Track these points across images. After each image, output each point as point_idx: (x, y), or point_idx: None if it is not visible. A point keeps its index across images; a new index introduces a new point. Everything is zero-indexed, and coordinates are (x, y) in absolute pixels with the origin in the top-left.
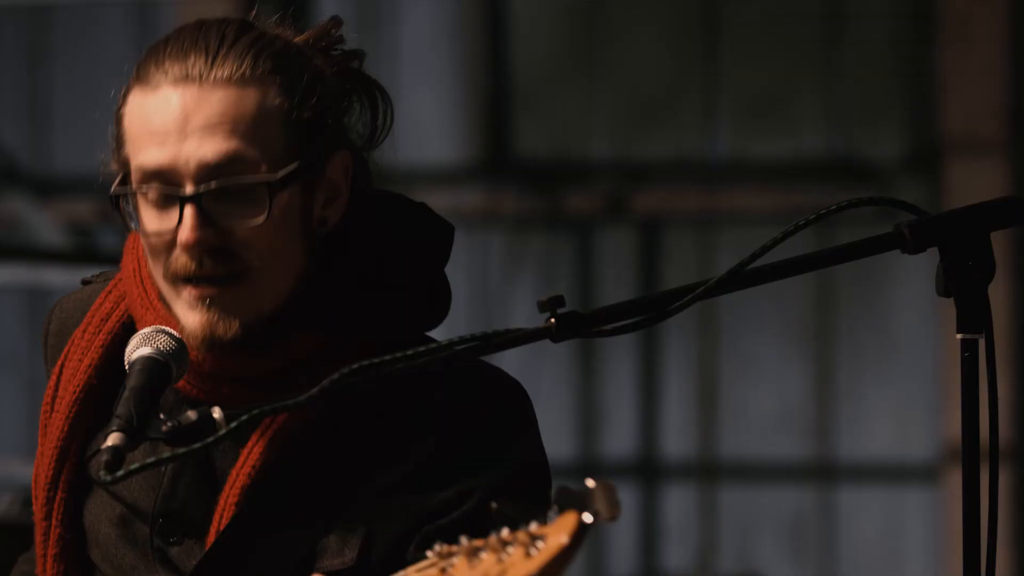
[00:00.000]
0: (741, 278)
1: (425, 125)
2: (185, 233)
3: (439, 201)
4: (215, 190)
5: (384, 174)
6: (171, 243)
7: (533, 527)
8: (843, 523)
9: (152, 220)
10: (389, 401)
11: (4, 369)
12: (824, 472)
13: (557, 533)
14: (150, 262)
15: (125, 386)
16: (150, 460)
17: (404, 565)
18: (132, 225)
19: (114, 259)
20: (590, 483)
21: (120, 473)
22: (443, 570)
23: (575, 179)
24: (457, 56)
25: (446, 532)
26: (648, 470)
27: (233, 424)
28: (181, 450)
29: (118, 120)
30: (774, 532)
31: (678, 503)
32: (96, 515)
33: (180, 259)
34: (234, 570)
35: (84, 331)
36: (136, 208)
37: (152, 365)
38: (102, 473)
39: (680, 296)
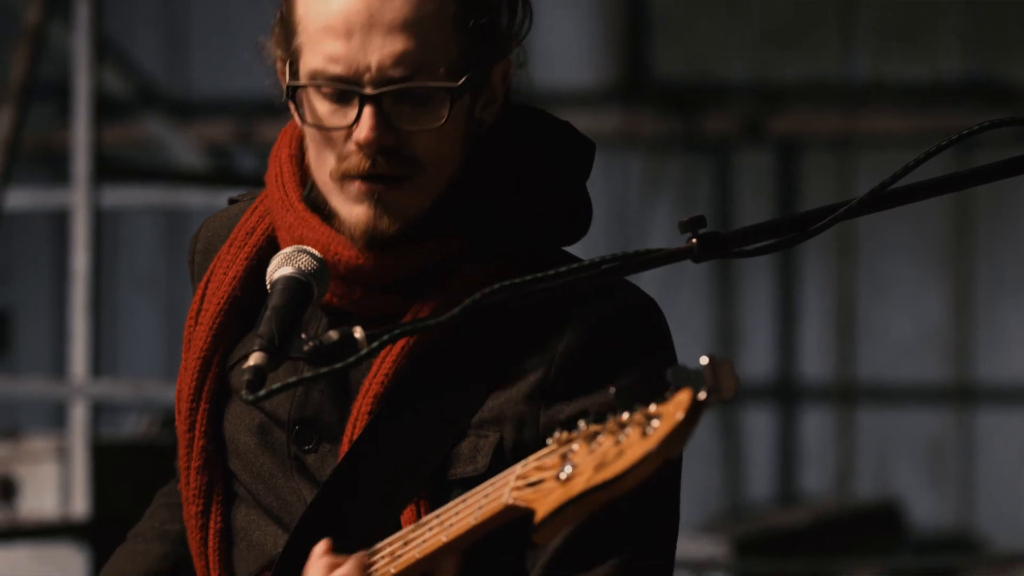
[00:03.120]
0: (882, 199)
1: (563, 48)
2: (363, 132)
3: (577, 124)
4: (396, 92)
5: (522, 97)
6: (344, 138)
7: (649, 407)
8: (981, 446)
9: (327, 114)
10: (523, 312)
11: (143, 291)
12: (962, 395)
13: (673, 411)
14: (313, 156)
15: (267, 305)
16: (291, 380)
17: None
18: (304, 120)
19: (250, 180)
20: (704, 360)
21: (262, 392)
22: (563, 456)
23: (713, 101)
24: None
25: None
26: (785, 393)
27: (375, 344)
28: (323, 369)
29: (289, 5)
30: (911, 455)
31: (815, 426)
32: (236, 424)
33: (353, 157)
34: (368, 478)
35: (230, 247)
36: (306, 100)
37: (294, 285)
38: (244, 392)
39: (821, 216)
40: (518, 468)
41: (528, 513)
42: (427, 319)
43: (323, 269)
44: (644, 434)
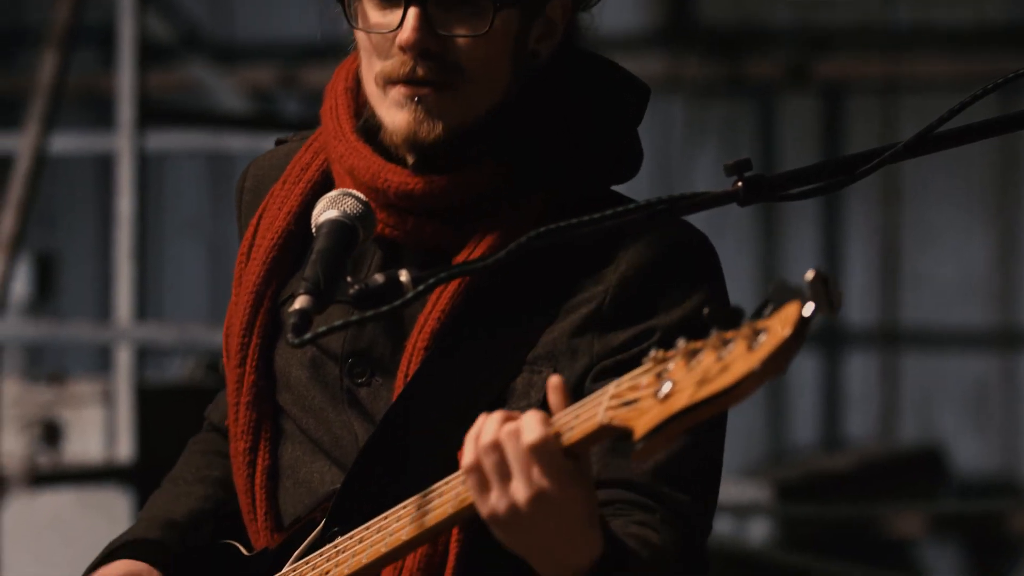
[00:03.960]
0: (928, 143)
1: None
2: (406, 33)
3: None
4: None
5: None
6: (389, 43)
7: (756, 323)
8: None
9: (375, 16)
10: (578, 247)
11: (187, 235)
12: (1007, 340)
13: (779, 325)
14: (363, 66)
15: (312, 249)
16: (337, 323)
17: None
18: (354, 24)
19: (294, 124)
20: (809, 275)
21: (307, 336)
22: (659, 375)
23: (757, 46)
24: None
25: (624, 367)
26: (830, 338)
27: (420, 288)
28: (369, 312)
29: None
30: (956, 400)
31: (860, 371)
32: (287, 359)
33: (396, 59)
34: (423, 414)
35: (283, 183)
36: (359, 9)
37: (339, 228)
38: (290, 336)
39: (867, 160)
40: (611, 388)
41: (623, 432)
42: (473, 263)
43: (368, 212)
44: (750, 348)
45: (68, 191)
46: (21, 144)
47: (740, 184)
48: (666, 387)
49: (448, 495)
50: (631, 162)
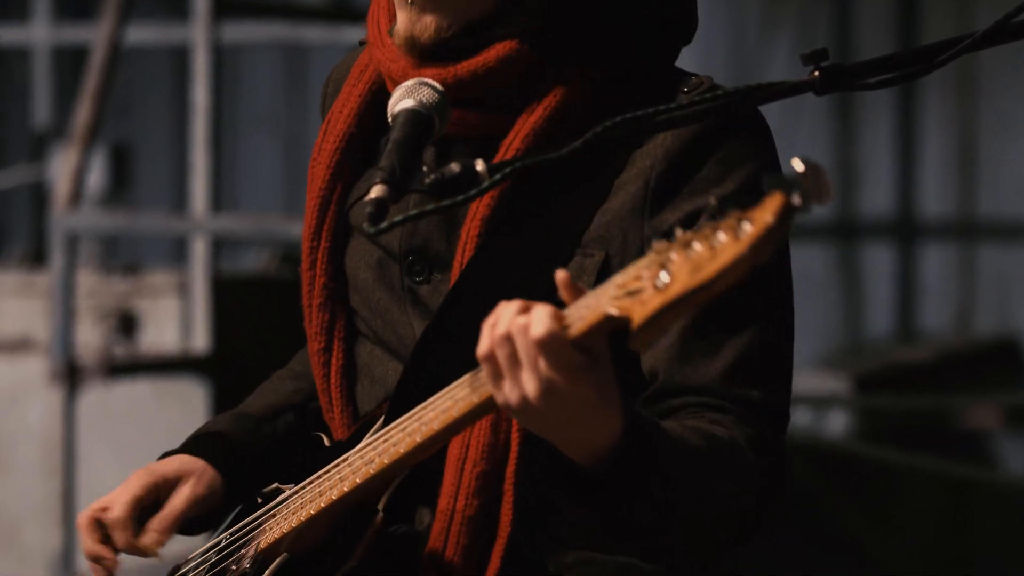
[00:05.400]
0: (1006, 32)
1: None
2: None
3: None
4: None
5: None
6: None
7: (744, 212)
8: None
9: None
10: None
11: (262, 127)
12: None
13: (763, 214)
14: None
15: (388, 138)
16: (412, 212)
17: None
18: None
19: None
20: (798, 165)
21: (384, 225)
22: (661, 264)
23: None
24: None
25: None
26: (905, 229)
27: (496, 177)
28: (445, 202)
29: None
30: None
31: (936, 262)
32: (355, 260)
33: None
34: (479, 303)
35: (347, 85)
36: None
37: (415, 118)
38: (366, 225)
39: (945, 49)
40: (617, 278)
41: (623, 322)
42: (546, 154)
43: (444, 102)
44: (736, 237)
45: (144, 82)
46: (97, 35)
47: (817, 73)
48: (664, 276)
49: (474, 386)
50: (684, 25)
